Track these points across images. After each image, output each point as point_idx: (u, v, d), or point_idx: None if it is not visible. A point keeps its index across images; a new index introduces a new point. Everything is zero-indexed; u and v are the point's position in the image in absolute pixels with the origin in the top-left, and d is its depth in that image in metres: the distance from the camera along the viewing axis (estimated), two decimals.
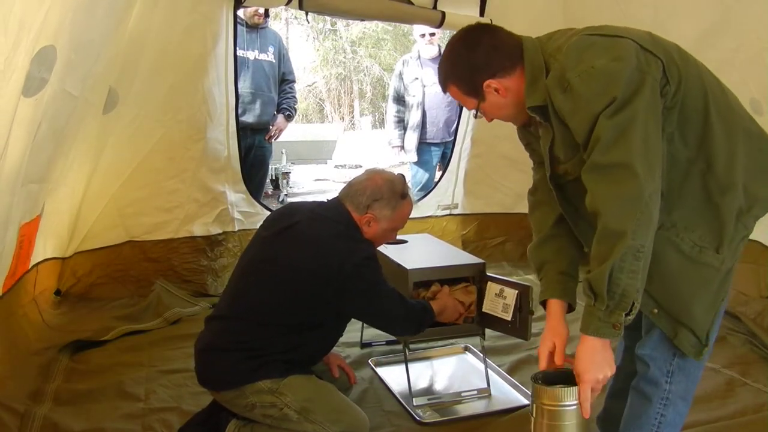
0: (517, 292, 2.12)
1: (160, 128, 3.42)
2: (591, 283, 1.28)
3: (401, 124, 4.70)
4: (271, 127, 4.23)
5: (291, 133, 7.40)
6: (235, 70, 3.57)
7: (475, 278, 2.29)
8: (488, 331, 2.34)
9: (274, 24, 6.45)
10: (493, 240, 4.49)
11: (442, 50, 1.58)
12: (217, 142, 3.59)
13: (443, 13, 3.77)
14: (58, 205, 2.97)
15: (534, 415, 1.38)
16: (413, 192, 2.49)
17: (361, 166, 8.27)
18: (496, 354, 2.78)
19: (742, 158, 1.38)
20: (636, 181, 1.24)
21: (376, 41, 17.62)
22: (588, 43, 1.34)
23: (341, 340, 2.14)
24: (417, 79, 4.56)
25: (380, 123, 16.51)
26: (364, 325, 2.93)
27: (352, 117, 17.85)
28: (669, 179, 1.35)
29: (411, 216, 2.15)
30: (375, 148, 9.61)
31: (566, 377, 1.38)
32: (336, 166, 9.54)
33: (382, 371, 2.64)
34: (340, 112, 18.15)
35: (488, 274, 2.28)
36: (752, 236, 1.50)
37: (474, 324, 2.31)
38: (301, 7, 3.47)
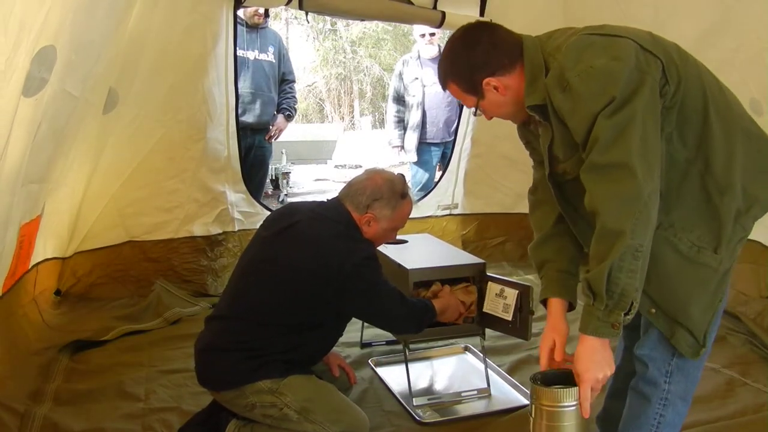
0: (517, 292, 2.12)
1: (160, 128, 3.42)
2: (590, 282, 1.28)
3: (401, 124, 4.71)
4: (271, 127, 4.23)
5: (291, 133, 7.40)
6: (235, 70, 3.57)
7: (475, 278, 2.29)
8: (488, 331, 2.34)
9: (274, 24, 6.46)
10: (493, 240, 4.49)
11: (442, 50, 1.58)
12: (217, 142, 3.59)
13: (443, 13, 3.77)
14: (58, 205, 2.97)
15: (533, 415, 1.38)
16: (413, 192, 2.49)
17: (361, 166, 8.27)
18: (496, 354, 2.78)
19: (741, 159, 1.38)
20: (635, 181, 1.24)
21: (376, 41, 17.62)
22: (587, 43, 1.34)
23: (341, 340, 2.14)
24: (417, 79, 4.56)
25: (380, 123, 16.51)
26: (364, 325, 2.93)
27: (352, 117, 17.85)
28: (668, 179, 1.35)
29: (411, 216, 2.15)
30: (375, 148, 9.61)
31: (565, 378, 1.38)
32: (336, 166, 9.54)
33: (382, 371, 2.64)
34: (340, 112, 18.15)
35: (488, 274, 2.28)
36: (752, 236, 1.50)
37: (474, 324, 2.31)
38: (301, 7, 3.47)
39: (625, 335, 1.67)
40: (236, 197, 3.76)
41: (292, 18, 16.53)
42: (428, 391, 2.49)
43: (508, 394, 2.45)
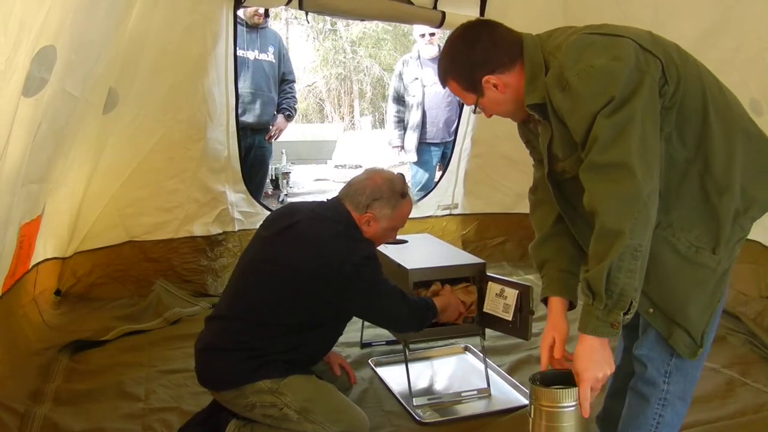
0: (517, 292, 2.12)
1: (160, 128, 3.42)
2: (589, 282, 1.28)
3: (401, 124, 4.71)
4: (271, 127, 4.23)
5: (291, 133, 7.40)
6: (235, 70, 3.58)
7: (475, 278, 2.29)
8: (488, 331, 2.34)
9: (274, 24, 6.46)
10: (493, 240, 4.49)
11: (442, 47, 1.58)
12: (217, 142, 3.60)
13: (443, 13, 3.77)
14: (58, 205, 2.97)
15: (532, 416, 1.38)
16: (413, 192, 2.49)
17: (361, 166, 8.26)
18: (496, 354, 2.78)
19: (741, 159, 1.38)
20: (634, 181, 1.24)
21: (376, 41, 17.62)
22: (587, 42, 1.34)
23: (341, 340, 2.14)
24: (417, 79, 4.56)
25: (380, 123, 16.51)
26: (364, 325, 2.93)
27: (352, 117, 17.85)
28: (667, 179, 1.35)
29: (411, 216, 2.15)
30: (375, 148, 9.60)
31: (565, 378, 1.38)
32: (336, 166, 9.54)
33: (382, 371, 2.64)
34: (340, 112, 18.15)
35: (488, 274, 2.28)
36: (752, 236, 1.50)
37: (474, 324, 2.31)
38: (301, 7, 3.48)
39: (624, 335, 1.67)
40: (236, 197, 3.76)
41: (292, 18, 16.54)
42: (428, 391, 2.49)
43: (508, 394, 2.45)
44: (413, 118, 4.59)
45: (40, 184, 2.54)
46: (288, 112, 4.33)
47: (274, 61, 4.13)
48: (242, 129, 3.78)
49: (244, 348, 1.88)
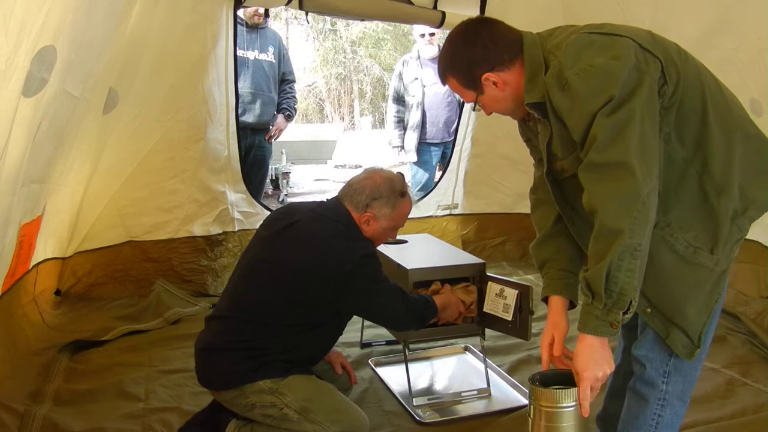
0: (517, 292, 2.12)
1: (160, 128, 3.42)
2: (588, 281, 1.28)
3: (401, 124, 4.71)
4: (271, 127, 4.23)
5: (291, 133, 7.41)
6: (235, 70, 3.58)
7: (475, 278, 2.29)
8: (488, 331, 2.34)
9: (274, 24, 6.46)
10: (493, 240, 4.49)
11: (443, 45, 1.58)
12: (217, 142, 3.60)
13: (443, 13, 3.77)
14: (58, 205, 2.97)
15: (532, 416, 1.38)
16: (413, 192, 2.49)
17: (361, 166, 8.26)
18: (496, 354, 2.78)
19: (739, 160, 1.38)
20: (633, 180, 1.24)
21: (376, 41, 17.62)
22: (587, 42, 1.34)
23: (341, 339, 2.14)
24: (417, 79, 4.57)
25: (380, 123, 16.52)
26: (364, 325, 2.94)
27: (352, 117, 17.85)
28: (665, 179, 1.35)
29: (411, 216, 2.15)
30: (375, 148, 9.61)
31: (565, 378, 1.38)
32: (336, 166, 9.54)
33: (382, 371, 2.64)
34: (340, 112, 18.15)
35: (488, 274, 2.28)
36: (752, 236, 1.50)
37: (474, 324, 2.31)
38: (301, 7, 3.48)
39: (624, 335, 1.67)
40: (236, 197, 3.76)
41: (292, 18, 16.54)
42: (428, 391, 2.49)
43: (508, 394, 2.45)
44: (413, 118, 4.59)
45: (40, 185, 2.54)
46: (288, 112, 4.33)
47: (274, 61, 4.13)
48: (242, 129, 3.79)
49: (244, 347, 1.88)
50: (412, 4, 3.71)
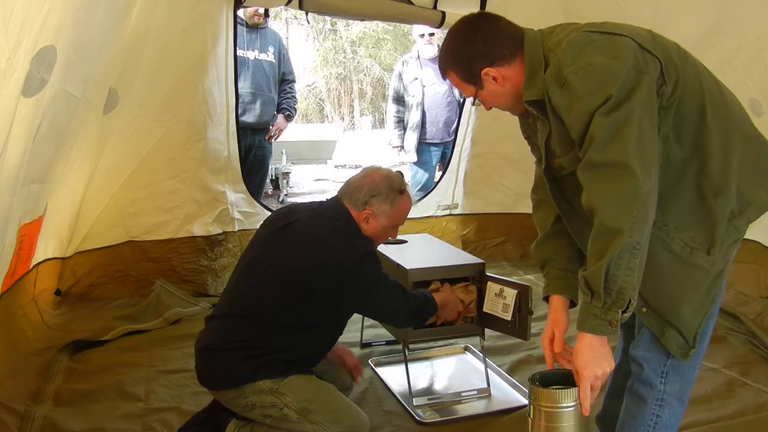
0: (516, 292, 2.12)
1: (160, 128, 3.42)
2: (587, 280, 1.28)
3: (401, 124, 4.71)
4: (271, 127, 4.23)
5: (291, 133, 7.40)
6: (235, 70, 3.58)
7: (474, 278, 2.29)
8: (488, 331, 2.34)
9: (274, 24, 6.46)
10: (493, 240, 4.49)
11: (444, 39, 1.58)
12: (217, 142, 3.60)
13: (443, 13, 3.77)
14: (58, 205, 2.97)
15: (532, 416, 1.38)
16: (413, 192, 2.49)
17: (360, 166, 8.24)
18: (496, 354, 2.78)
19: (737, 161, 1.38)
20: (632, 180, 1.24)
21: (376, 41, 17.62)
22: (587, 40, 1.34)
23: (341, 339, 2.14)
24: (416, 79, 4.57)
25: (380, 123, 16.51)
26: (364, 325, 2.94)
27: (352, 117, 17.85)
28: (663, 179, 1.35)
29: (411, 216, 2.14)
30: (375, 148, 9.60)
31: (564, 378, 1.38)
32: (336, 166, 9.54)
33: (382, 371, 2.64)
34: (340, 112, 18.15)
35: (488, 274, 2.28)
36: (752, 236, 1.50)
37: (474, 324, 2.31)
38: (301, 7, 3.48)
39: (624, 334, 1.67)
40: (236, 197, 3.76)
41: (292, 18, 16.54)
42: (428, 391, 2.49)
43: (508, 394, 2.45)
44: (413, 118, 4.59)
45: (40, 185, 2.55)
46: (288, 112, 4.33)
47: (274, 61, 4.13)
48: (242, 129, 3.78)
49: (244, 347, 1.88)
50: (412, 4, 3.71)
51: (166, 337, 3.02)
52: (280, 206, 2.46)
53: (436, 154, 4.70)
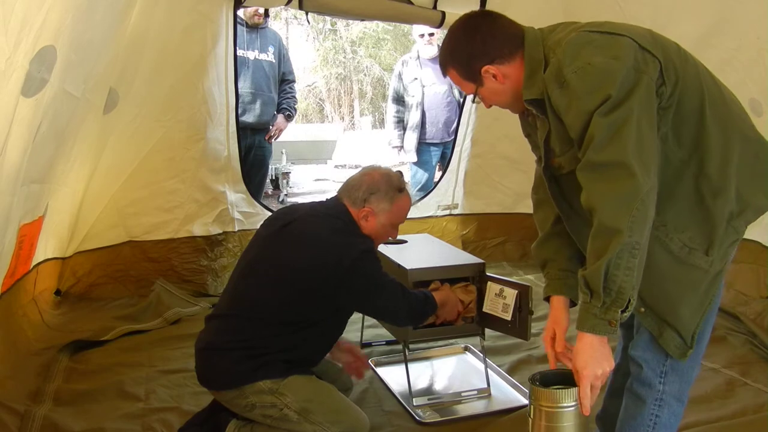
0: (516, 292, 2.12)
1: (160, 128, 3.42)
2: (587, 279, 1.28)
3: (401, 124, 4.71)
4: (271, 127, 4.23)
5: (291, 133, 7.40)
6: (235, 70, 3.58)
7: (474, 278, 2.29)
8: (488, 331, 2.34)
9: (274, 24, 6.46)
10: (493, 240, 4.49)
11: (444, 37, 1.59)
12: (217, 142, 3.60)
13: (443, 13, 3.77)
14: (58, 205, 2.97)
15: (532, 416, 1.38)
16: (413, 192, 2.49)
17: (360, 166, 8.25)
18: (496, 354, 2.78)
19: (737, 162, 1.38)
20: (632, 179, 1.24)
21: (376, 41, 17.62)
22: (586, 40, 1.33)
23: (341, 339, 2.14)
24: (416, 79, 4.57)
25: (380, 123, 16.50)
26: (364, 325, 2.94)
27: (352, 117, 17.85)
28: (661, 179, 1.34)
29: (411, 216, 2.14)
30: (375, 148, 9.60)
31: (565, 378, 1.38)
32: (336, 166, 9.54)
33: (382, 371, 2.64)
34: (340, 112, 18.15)
35: (488, 274, 2.28)
36: (752, 236, 1.50)
37: (474, 324, 2.31)
38: (301, 7, 3.48)
39: (624, 334, 1.67)
40: (236, 197, 3.76)
41: (292, 18, 16.54)
42: (428, 391, 2.49)
43: (508, 394, 2.45)
44: (413, 118, 4.59)
45: (40, 185, 2.55)
46: (288, 112, 4.33)
47: (274, 61, 4.13)
48: (242, 129, 3.79)
49: (244, 347, 1.88)
50: (412, 4, 3.71)
51: (166, 337, 3.02)
52: (280, 206, 2.46)
53: (435, 154, 4.70)
